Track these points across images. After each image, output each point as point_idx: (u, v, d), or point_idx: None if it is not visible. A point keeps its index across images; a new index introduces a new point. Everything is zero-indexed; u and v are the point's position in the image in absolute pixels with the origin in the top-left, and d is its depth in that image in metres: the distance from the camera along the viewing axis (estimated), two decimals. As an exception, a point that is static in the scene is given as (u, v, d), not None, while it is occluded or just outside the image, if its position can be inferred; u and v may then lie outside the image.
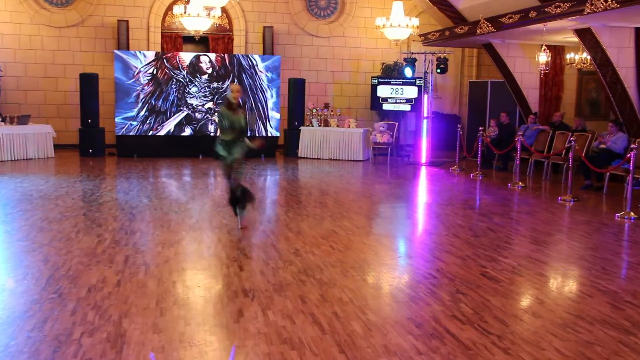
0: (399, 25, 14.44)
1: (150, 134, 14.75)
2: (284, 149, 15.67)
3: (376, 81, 16.19)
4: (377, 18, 14.87)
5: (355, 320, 4.34)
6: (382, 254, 6.40)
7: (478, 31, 12.40)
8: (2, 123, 13.62)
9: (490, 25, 11.99)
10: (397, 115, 16.24)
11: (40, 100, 15.68)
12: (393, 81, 16.02)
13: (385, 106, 16.09)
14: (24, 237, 6.55)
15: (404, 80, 15.64)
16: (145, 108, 14.66)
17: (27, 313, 4.33)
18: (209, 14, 13.73)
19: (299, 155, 15.12)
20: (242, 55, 15.52)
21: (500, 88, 15.01)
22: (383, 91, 16.03)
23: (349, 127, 15.09)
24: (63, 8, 15.64)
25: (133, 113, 14.60)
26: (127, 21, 15.67)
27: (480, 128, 13.03)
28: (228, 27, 16.64)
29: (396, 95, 15.88)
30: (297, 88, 15.43)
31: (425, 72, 14.64)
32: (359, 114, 17.17)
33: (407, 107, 15.89)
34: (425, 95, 14.67)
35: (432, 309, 4.60)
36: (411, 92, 15.69)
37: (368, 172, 13.25)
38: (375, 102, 16.23)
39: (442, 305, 4.68)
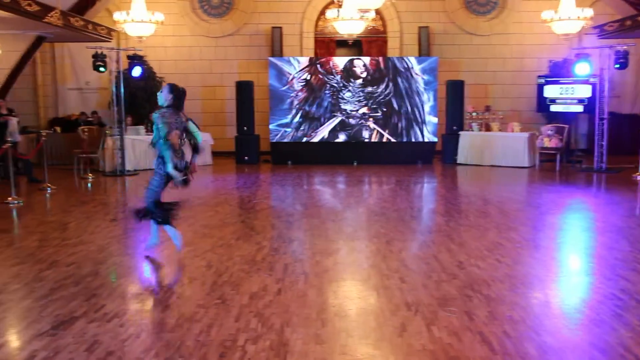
0: (568, 18, 13.49)
1: (304, 140, 15.00)
2: (441, 155, 15.23)
3: (543, 80, 15.14)
4: (544, 11, 13.97)
5: (529, 341, 3.98)
6: (554, 269, 5.87)
7: (669, 18, 11.05)
8: None
9: (685, 9, 10.60)
10: (567, 117, 15.07)
11: (198, 109, 16.56)
12: (562, 80, 14.86)
13: (554, 107, 14.99)
14: (188, 243, 6.77)
15: (575, 79, 14.44)
16: (299, 114, 14.95)
17: (194, 317, 4.45)
18: (362, 17, 13.70)
19: (458, 162, 14.60)
20: (397, 57, 15.34)
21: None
22: (551, 91, 14.94)
23: (512, 131, 14.29)
24: (220, 18, 16.47)
25: (287, 120, 14.95)
26: (280, 28, 16.13)
27: (667, 129, 11.68)
28: (382, 29, 16.54)
29: (566, 95, 14.73)
30: (455, 90, 14.95)
31: (601, 69, 13.34)
32: (524, 116, 16.24)
33: (579, 108, 14.66)
34: (601, 95, 13.42)
35: (619, 334, 4.08)
36: (584, 91, 14.44)
37: (534, 179, 12.43)
38: (542, 104, 15.20)
39: (631, 331, 4.14)
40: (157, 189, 5.98)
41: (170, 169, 5.77)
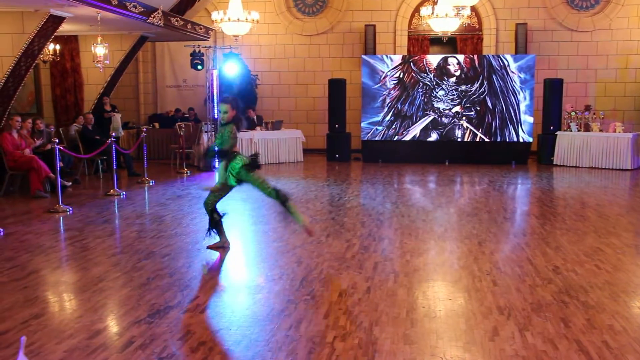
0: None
1: (395, 139, 14.89)
2: (537, 155, 14.70)
3: (650, 78, 14.33)
4: (655, 4, 13.18)
5: (632, 353, 3.77)
6: (662, 279, 5.52)
7: None
8: (259, 128, 14.88)
9: None
10: (675, 117, 14.20)
11: (291, 106, 16.80)
12: (671, 77, 14.00)
13: (661, 107, 14.15)
14: (278, 238, 6.90)
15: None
16: (391, 113, 14.86)
17: (284, 312, 4.50)
18: (457, 14, 13.43)
19: (554, 163, 14.04)
20: (492, 55, 14.93)
21: None
22: (658, 90, 14.11)
23: (614, 131, 13.57)
24: (314, 17, 16.60)
25: (379, 118, 14.89)
26: (374, 26, 16.06)
27: None
28: (477, 27, 16.15)
29: (676, 94, 13.86)
30: (553, 89, 14.37)
31: None
32: (627, 116, 15.40)
33: (689, 108, 13.78)
34: None
35: None
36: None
37: (638, 182, 11.75)
38: (648, 103, 14.38)
39: None
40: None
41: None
